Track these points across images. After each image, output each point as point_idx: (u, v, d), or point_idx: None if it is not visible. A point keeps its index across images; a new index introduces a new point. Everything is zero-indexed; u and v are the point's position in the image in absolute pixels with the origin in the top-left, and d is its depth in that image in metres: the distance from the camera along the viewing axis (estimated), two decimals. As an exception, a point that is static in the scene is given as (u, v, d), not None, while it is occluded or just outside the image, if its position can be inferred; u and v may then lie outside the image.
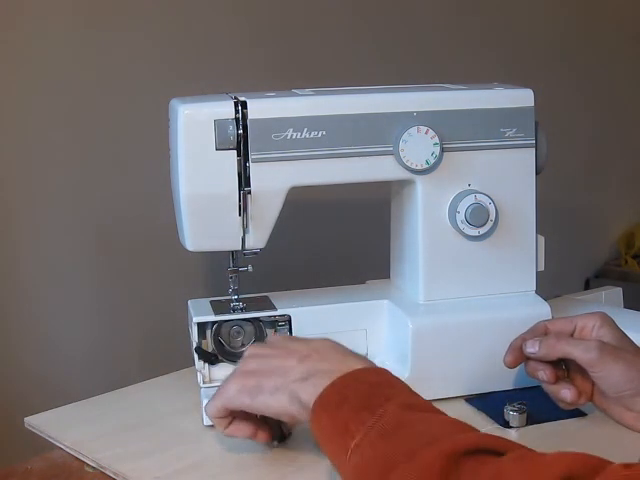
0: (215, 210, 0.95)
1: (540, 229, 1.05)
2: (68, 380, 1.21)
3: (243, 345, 1.01)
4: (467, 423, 0.72)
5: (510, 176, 1.02)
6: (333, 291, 1.08)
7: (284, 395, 0.79)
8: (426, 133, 0.97)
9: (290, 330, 1.00)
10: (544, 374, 0.92)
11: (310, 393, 0.77)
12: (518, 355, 0.94)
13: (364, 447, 0.71)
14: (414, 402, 0.75)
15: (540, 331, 0.94)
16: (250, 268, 1.00)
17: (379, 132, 0.97)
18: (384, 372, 0.79)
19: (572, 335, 0.93)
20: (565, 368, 0.93)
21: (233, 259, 1.00)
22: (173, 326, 1.16)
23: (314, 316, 1.02)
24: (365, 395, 0.74)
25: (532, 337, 0.93)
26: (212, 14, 1.31)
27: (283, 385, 0.79)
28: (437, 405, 0.74)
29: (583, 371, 0.90)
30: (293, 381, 0.79)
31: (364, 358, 0.83)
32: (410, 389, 0.77)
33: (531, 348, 0.92)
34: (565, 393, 0.91)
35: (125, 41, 1.23)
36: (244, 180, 0.95)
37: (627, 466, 0.61)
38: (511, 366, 0.94)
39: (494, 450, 0.66)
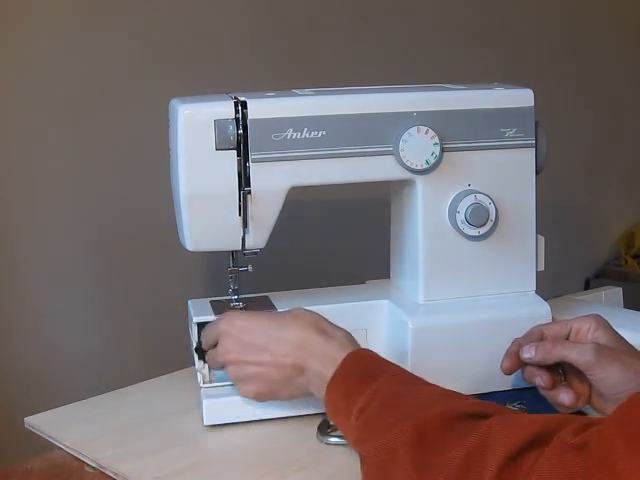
0: (215, 210, 0.95)
1: (540, 229, 1.05)
2: (68, 380, 1.21)
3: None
4: (456, 392, 0.80)
5: (510, 176, 1.02)
6: (333, 291, 1.08)
7: (298, 394, 0.91)
8: (426, 133, 0.97)
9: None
10: (541, 379, 0.92)
11: (319, 388, 0.86)
12: (515, 361, 0.94)
13: (366, 413, 0.79)
14: (406, 377, 0.84)
15: (536, 336, 0.95)
16: (250, 268, 1.00)
17: (379, 132, 0.97)
18: (371, 352, 0.87)
19: (568, 338, 0.94)
20: (562, 372, 0.93)
21: (233, 259, 1.00)
22: (173, 326, 1.16)
23: (314, 316, 1.02)
24: (363, 373, 0.83)
25: (528, 342, 0.93)
26: (212, 14, 1.31)
27: (293, 392, 0.90)
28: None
29: (580, 374, 0.90)
30: (300, 388, 0.89)
31: (340, 332, 0.90)
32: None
33: (528, 353, 0.92)
34: (563, 397, 0.91)
35: (125, 41, 1.23)
36: (244, 180, 0.94)
37: (577, 431, 0.65)
38: (508, 372, 0.95)
39: (484, 414, 0.73)
